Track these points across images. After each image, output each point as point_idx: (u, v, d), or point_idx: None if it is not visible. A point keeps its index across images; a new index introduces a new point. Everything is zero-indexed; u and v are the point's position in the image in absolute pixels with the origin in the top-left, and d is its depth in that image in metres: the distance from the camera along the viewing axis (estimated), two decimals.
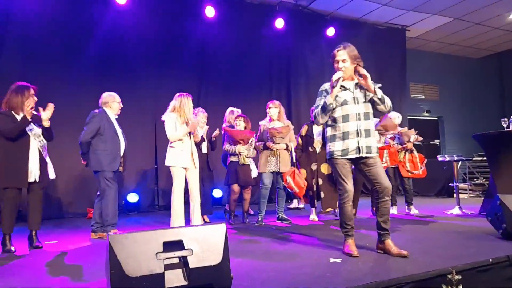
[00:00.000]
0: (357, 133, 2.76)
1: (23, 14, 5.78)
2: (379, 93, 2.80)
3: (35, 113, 3.35)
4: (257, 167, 4.58)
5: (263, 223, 4.47)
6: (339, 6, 7.88)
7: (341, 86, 2.80)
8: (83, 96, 5.86)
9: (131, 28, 6.48)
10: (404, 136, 5.09)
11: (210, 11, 6.96)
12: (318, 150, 4.61)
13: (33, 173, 3.30)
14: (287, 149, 4.56)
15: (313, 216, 4.70)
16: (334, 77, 2.73)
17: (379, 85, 2.88)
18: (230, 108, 5.19)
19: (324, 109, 2.77)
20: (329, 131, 2.87)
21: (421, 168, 5.09)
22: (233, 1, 7.41)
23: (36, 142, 3.34)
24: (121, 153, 3.84)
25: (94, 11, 6.27)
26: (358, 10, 8.12)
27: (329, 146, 2.87)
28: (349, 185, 2.79)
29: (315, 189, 4.56)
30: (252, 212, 5.37)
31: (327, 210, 4.54)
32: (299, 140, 4.73)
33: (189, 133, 3.99)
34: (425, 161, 5.17)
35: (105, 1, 6.32)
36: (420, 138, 5.22)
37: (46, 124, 3.35)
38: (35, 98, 3.38)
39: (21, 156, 3.25)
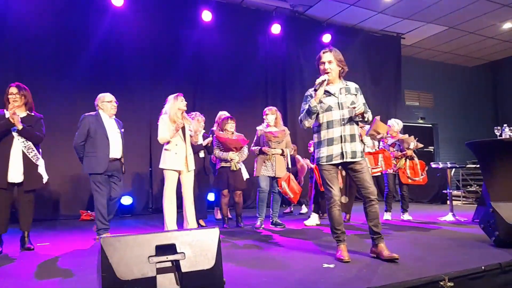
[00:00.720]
0: (341, 138, 2.78)
1: (17, 17, 5.77)
2: (368, 117, 2.86)
3: (31, 113, 3.32)
4: (253, 171, 4.59)
5: (263, 227, 4.46)
6: (336, 13, 7.94)
7: (326, 91, 2.82)
8: (77, 99, 5.85)
9: (127, 32, 6.48)
10: (404, 143, 5.11)
11: (207, 16, 6.98)
12: None
13: (15, 174, 3.22)
14: (282, 154, 4.56)
15: (317, 221, 4.69)
16: (318, 81, 2.77)
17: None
18: (223, 113, 5.09)
19: (309, 112, 2.80)
20: (316, 138, 2.92)
21: (421, 175, 5.11)
22: (230, 6, 7.44)
23: (19, 143, 3.27)
24: (114, 155, 3.71)
25: (90, 14, 6.27)
26: (354, 17, 8.19)
27: (315, 152, 2.92)
28: (335, 191, 2.81)
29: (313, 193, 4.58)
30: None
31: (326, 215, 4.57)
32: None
33: (183, 135, 3.96)
34: (426, 168, 5.20)
35: (101, 4, 6.32)
36: (421, 145, 5.25)
37: (18, 126, 3.22)
38: (15, 97, 3.29)
39: (1, 156, 3.20)
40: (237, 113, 5.40)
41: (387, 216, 5.13)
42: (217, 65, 7.23)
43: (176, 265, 1.82)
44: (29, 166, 3.30)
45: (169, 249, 1.83)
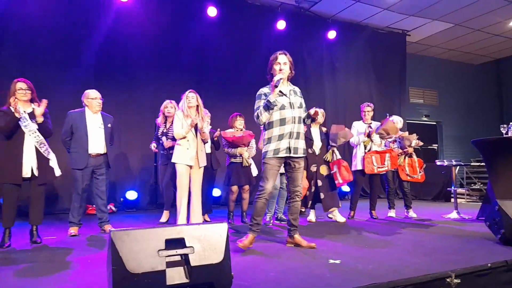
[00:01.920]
0: (290, 135, 3.03)
1: (22, 14, 5.76)
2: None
3: (41, 108, 3.34)
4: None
5: (272, 222, 4.48)
6: (341, 9, 7.91)
7: (279, 91, 3.03)
8: (81, 96, 5.84)
9: (131, 28, 6.47)
10: (405, 141, 5.11)
11: (212, 11, 6.97)
12: (317, 151, 4.62)
13: (29, 169, 3.28)
14: None
15: (311, 217, 4.71)
16: (276, 78, 2.97)
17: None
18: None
19: (267, 107, 2.96)
20: (267, 134, 3.09)
21: (419, 172, 5.11)
22: (235, 2, 7.42)
23: (31, 138, 3.31)
24: (95, 151, 3.81)
25: (95, 10, 6.26)
26: (360, 14, 8.15)
27: (267, 146, 3.07)
28: (269, 185, 3.03)
29: (313, 190, 4.57)
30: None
31: (331, 210, 4.58)
32: None
33: (196, 131, 4.01)
34: (424, 166, 5.20)
35: (107, 0, 6.32)
36: (421, 143, 5.24)
37: (39, 120, 3.33)
38: (25, 92, 3.33)
39: (15, 152, 3.25)
40: (241, 109, 5.38)
41: (391, 213, 5.13)
42: (222, 61, 7.22)
43: (185, 259, 1.83)
44: (41, 160, 3.37)
45: (179, 243, 1.84)
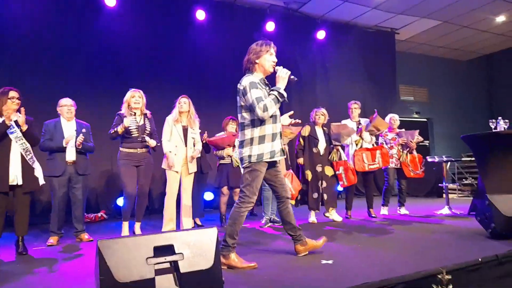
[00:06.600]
0: (280, 134, 2.74)
1: (10, 19, 5.71)
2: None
3: (22, 116, 3.31)
4: None
5: (269, 225, 4.47)
6: (329, 9, 7.94)
7: (267, 84, 2.75)
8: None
9: (120, 33, 6.43)
10: (409, 136, 5.13)
11: (200, 15, 6.96)
12: (322, 151, 4.61)
13: (14, 177, 3.25)
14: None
15: (313, 218, 4.66)
16: (287, 71, 2.70)
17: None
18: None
19: (278, 101, 2.62)
20: (256, 132, 2.62)
21: (420, 168, 5.15)
22: (224, 5, 7.41)
23: (17, 145, 3.29)
24: (71, 158, 3.80)
25: (83, 15, 6.22)
26: (348, 14, 8.19)
27: (253, 148, 2.61)
28: (256, 197, 2.66)
29: (321, 191, 4.57)
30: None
31: (330, 210, 4.60)
32: (301, 140, 4.72)
33: (185, 137, 4.01)
34: (423, 161, 5.24)
35: (95, 5, 6.27)
36: (421, 138, 5.30)
37: (24, 127, 3.31)
38: (17, 101, 3.34)
39: (2, 159, 3.22)
40: (232, 111, 5.37)
41: (384, 210, 5.15)
42: (212, 64, 7.20)
43: (174, 266, 1.82)
44: (27, 168, 3.33)
45: (168, 250, 1.83)
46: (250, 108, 2.62)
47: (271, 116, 2.65)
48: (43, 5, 5.95)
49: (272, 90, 2.67)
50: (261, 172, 2.64)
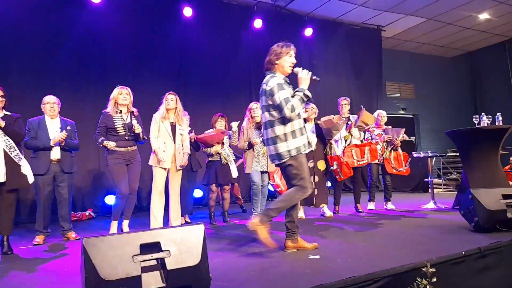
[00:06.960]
0: (305, 129, 2.92)
1: None
2: None
3: (7, 113, 3.27)
4: (244, 168, 4.59)
5: None
6: (317, 6, 7.96)
7: (289, 83, 2.89)
8: (58, 97, 5.69)
9: (107, 29, 6.33)
10: (394, 133, 5.18)
11: (187, 11, 6.90)
12: (313, 147, 4.63)
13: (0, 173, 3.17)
14: None
15: (301, 214, 4.63)
16: (309, 73, 2.85)
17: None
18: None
19: (303, 101, 2.77)
20: (288, 128, 2.78)
21: (405, 166, 5.19)
22: (211, 2, 7.36)
23: (0, 142, 3.21)
24: (55, 157, 3.75)
25: (69, 12, 6.10)
26: (335, 11, 8.23)
27: (289, 143, 2.77)
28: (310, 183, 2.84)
29: (313, 186, 4.58)
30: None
31: (321, 206, 4.61)
32: None
33: (173, 133, 3.98)
34: (409, 159, 5.28)
35: (80, 1, 6.16)
36: (406, 138, 5.35)
37: (2, 124, 3.21)
38: (1, 99, 3.30)
39: None
40: (220, 109, 5.38)
41: (370, 205, 5.22)
42: (200, 61, 7.15)
43: (161, 263, 1.81)
44: (11, 165, 3.24)
45: (154, 247, 1.82)
46: (278, 108, 2.76)
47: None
48: (28, 1, 5.82)
49: (298, 91, 2.80)
50: (304, 162, 2.81)
